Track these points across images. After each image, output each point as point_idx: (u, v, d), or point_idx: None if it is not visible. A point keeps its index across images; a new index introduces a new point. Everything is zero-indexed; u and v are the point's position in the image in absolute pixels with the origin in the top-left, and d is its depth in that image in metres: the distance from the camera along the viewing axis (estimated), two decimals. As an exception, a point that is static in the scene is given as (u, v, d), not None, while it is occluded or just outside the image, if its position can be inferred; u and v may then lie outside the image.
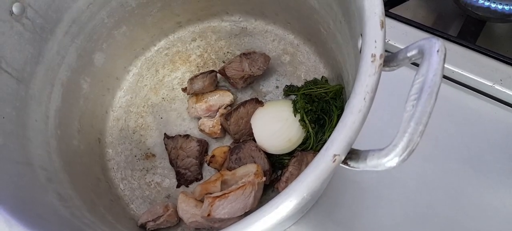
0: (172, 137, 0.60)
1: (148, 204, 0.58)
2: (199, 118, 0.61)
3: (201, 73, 0.60)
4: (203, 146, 0.59)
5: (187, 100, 0.63)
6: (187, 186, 0.58)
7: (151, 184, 0.59)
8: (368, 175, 0.55)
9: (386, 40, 0.63)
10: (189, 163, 0.57)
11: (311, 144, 0.53)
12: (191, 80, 0.60)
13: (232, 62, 0.60)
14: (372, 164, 0.28)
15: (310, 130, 0.52)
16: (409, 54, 0.31)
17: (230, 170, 0.52)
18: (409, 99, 0.28)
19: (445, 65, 0.58)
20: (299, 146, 0.54)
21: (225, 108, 0.60)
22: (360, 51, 0.32)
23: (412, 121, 0.26)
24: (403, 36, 0.64)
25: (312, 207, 0.54)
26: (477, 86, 0.59)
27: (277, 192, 0.53)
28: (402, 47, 0.38)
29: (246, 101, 0.57)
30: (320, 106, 0.53)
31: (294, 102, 0.54)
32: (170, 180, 0.59)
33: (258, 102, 0.57)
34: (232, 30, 0.67)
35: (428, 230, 0.52)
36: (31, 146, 0.47)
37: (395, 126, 0.27)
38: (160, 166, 0.60)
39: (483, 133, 0.56)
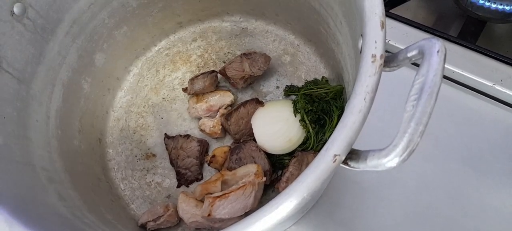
0: (173, 137, 0.60)
1: (148, 204, 0.58)
2: (199, 118, 0.61)
3: (201, 74, 0.60)
4: (204, 146, 0.59)
5: (188, 101, 0.63)
6: (187, 186, 0.58)
7: (152, 184, 0.59)
8: (368, 175, 0.55)
9: (387, 41, 0.63)
10: (189, 163, 0.57)
11: (311, 144, 0.53)
12: (192, 80, 0.60)
13: (233, 62, 0.60)
14: (372, 164, 0.28)
15: (311, 130, 0.52)
16: (409, 55, 0.31)
17: (231, 170, 0.52)
18: (409, 100, 0.28)
19: (446, 66, 0.58)
20: (299, 146, 0.54)
21: (225, 108, 0.60)
22: (361, 52, 0.32)
23: (412, 121, 0.26)
24: (404, 37, 0.64)
25: (313, 207, 0.54)
26: (477, 86, 0.59)
27: (277, 192, 0.53)
28: (402, 47, 0.38)
29: (246, 102, 0.57)
30: (321, 107, 0.53)
31: (295, 103, 0.54)
32: (171, 180, 0.59)
33: (258, 102, 0.57)
34: (233, 31, 0.67)
35: (428, 230, 0.52)
36: (32, 146, 0.47)
37: (396, 126, 0.27)
38: (161, 166, 0.60)
39: (483, 133, 0.56)
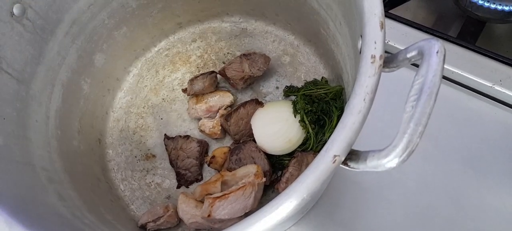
0: (172, 138, 0.60)
1: (148, 204, 0.58)
2: (199, 119, 0.61)
3: (201, 74, 0.60)
4: (203, 147, 0.59)
5: (187, 101, 0.63)
6: (187, 187, 0.58)
7: (151, 185, 0.59)
8: (368, 176, 0.55)
9: (386, 41, 0.63)
10: (189, 163, 0.57)
11: (311, 145, 0.53)
12: (191, 81, 0.60)
13: (232, 63, 0.60)
14: (372, 164, 0.28)
15: (310, 130, 0.53)
16: (408, 55, 0.31)
17: (230, 171, 0.52)
18: (408, 100, 0.28)
19: (445, 66, 0.58)
20: (299, 147, 0.54)
21: (225, 109, 0.60)
22: (360, 52, 0.32)
23: (412, 121, 0.26)
24: (403, 37, 0.64)
25: (313, 208, 0.54)
26: (477, 87, 0.59)
27: (277, 192, 0.53)
28: (402, 48, 0.39)
29: (246, 102, 0.57)
30: (320, 107, 0.53)
31: (294, 103, 0.54)
32: (170, 181, 0.59)
33: (258, 103, 0.57)
34: (232, 31, 0.67)
35: (428, 230, 0.52)
36: (32, 146, 0.47)
37: (395, 127, 0.27)
38: (160, 166, 0.60)
39: (482, 133, 0.56)
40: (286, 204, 0.28)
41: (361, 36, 0.32)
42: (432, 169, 0.55)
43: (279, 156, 0.55)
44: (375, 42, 0.31)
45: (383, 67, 0.30)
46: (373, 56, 0.30)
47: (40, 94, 0.51)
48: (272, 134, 0.53)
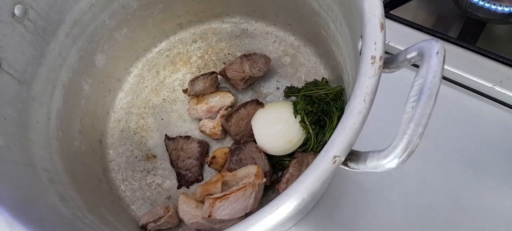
0: (173, 138, 0.60)
1: (149, 205, 0.58)
2: (200, 119, 0.61)
3: (202, 75, 0.60)
4: (204, 147, 0.59)
5: (188, 102, 0.63)
6: (187, 187, 0.58)
7: (152, 185, 0.59)
8: (368, 176, 0.55)
9: (386, 42, 0.63)
10: (190, 164, 0.57)
11: (311, 145, 0.53)
12: (192, 81, 0.60)
13: (233, 63, 0.60)
14: (371, 165, 0.28)
15: (311, 131, 0.53)
16: (408, 56, 0.31)
17: (231, 171, 0.53)
18: (408, 101, 0.28)
19: (445, 67, 0.58)
20: (299, 147, 0.54)
21: (225, 109, 0.60)
22: (360, 53, 0.32)
23: (412, 122, 0.26)
24: (403, 38, 0.64)
25: (313, 208, 0.54)
26: (477, 87, 0.59)
27: (277, 193, 0.53)
28: (402, 48, 0.39)
29: (246, 103, 0.57)
30: (321, 108, 0.53)
31: (295, 104, 0.54)
32: (171, 181, 0.59)
33: (258, 103, 0.57)
34: (233, 32, 0.67)
35: (428, 230, 0.52)
36: (33, 147, 0.48)
37: (395, 127, 0.27)
38: (161, 167, 0.60)
39: (483, 134, 0.56)
40: (286, 205, 0.28)
41: (361, 37, 0.32)
42: (432, 169, 0.55)
43: (279, 156, 0.55)
44: (375, 43, 0.31)
45: (383, 68, 0.31)
46: (373, 57, 0.30)
47: (41, 95, 0.51)
48: (272, 134, 0.53)
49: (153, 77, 0.67)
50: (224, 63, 0.66)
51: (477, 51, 0.61)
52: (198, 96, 0.61)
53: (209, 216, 0.47)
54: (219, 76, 0.62)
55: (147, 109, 0.65)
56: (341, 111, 0.53)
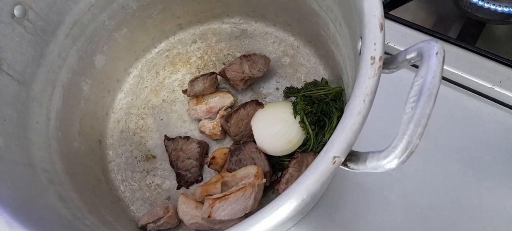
0: (173, 139, 0.60)
1: (148, 205, 0.58)
2: (199, 120, 0.61)
3: (201, 75, 0.60)
4: (204, 148, 0.59)
5: (188, 102, 0.63)
6: (187, 188, 0.58)
7: (152, 186, 0.59)
8: (368, 176, 0.55)
9: (386, 42, 0.63)
10: (189, 164, 0.57)
11: (311, 146, 0.53)
12: (192, 82, 0.60)
13: (232, 64, 0.60)
14: (371, 165, 0.28)
15: (310, 131, 0.53)
16: (408, 57, 0.31)
17: (230, 172, 0.52)
18: (408, 102, 0.28)
19: (445, 67, 0.58)
20: (299, 148, 0.54)
21: (225, 110, 0.60)
22: (360, 54, 0.32)
23: (411, 123, 0.26)
24: (403, 38, 0.64)
25: (313, 209, 0.54)
26: (477, 88, 0.59)
27: (277, 193, 0.53)
28: (402, 49, 0.39)
29: (246, 103, 0.57)
30: (320, 108, 0.54)
31: (294, 104, 0.54)
32: (171, 182, 0.59)
33: (258, 104, 0.57)
34: (233, 32, 0.67)
35: (428, 230, 0.52)
36: (32, 148, 0.48)
37: (395, 128, 0.27)
38: (161, 167, 0.60)
39: (482, 134, 0.56)
40: (286, 205, 0.28)
41: (361, 38, 0.32)
42: (432, 170, 0.55)
43: (279, 157, 0.55)
44: (375, 44, 0.31)
45: (383, 68, 0.31)
46: (372, 58, 0.30)
47: (40, 96, 0.51)
48: (272, 135, 0.53)
49: (153, 78, 0.67)
50: (224, 64, 0.66)
51: (476, 52, 0.61)
52: (197, 96, 0.61)
53: (209, 216, 0.47)
54: (218, 77, 0.62)
55: (146, 110, 0.65)
56: (341, 111, 0.53)
